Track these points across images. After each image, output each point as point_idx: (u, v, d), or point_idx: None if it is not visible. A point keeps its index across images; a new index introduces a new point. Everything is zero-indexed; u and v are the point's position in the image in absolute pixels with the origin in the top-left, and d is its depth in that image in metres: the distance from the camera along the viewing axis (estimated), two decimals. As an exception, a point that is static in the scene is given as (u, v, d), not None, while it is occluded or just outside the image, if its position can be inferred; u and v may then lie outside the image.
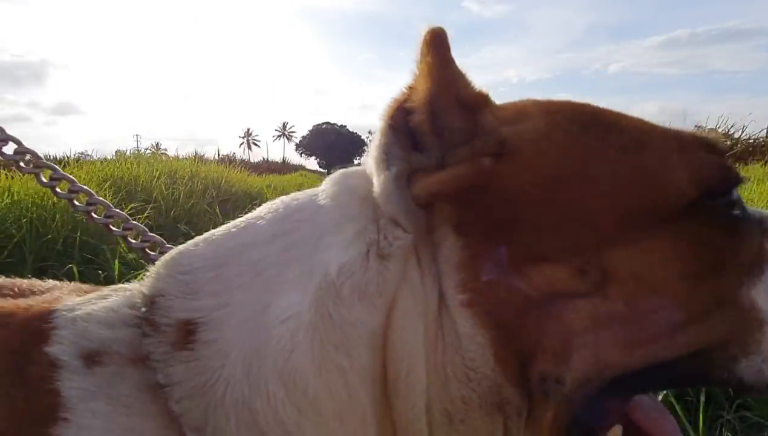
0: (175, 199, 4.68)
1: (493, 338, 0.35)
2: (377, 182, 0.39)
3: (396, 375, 0.36)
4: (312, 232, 0.40)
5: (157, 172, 4.95)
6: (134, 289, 0.43)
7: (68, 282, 0.48)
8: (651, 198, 0.35)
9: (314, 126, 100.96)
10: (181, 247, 0.44)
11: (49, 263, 2.77)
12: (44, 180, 0.81)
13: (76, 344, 0.38)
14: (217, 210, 5.38)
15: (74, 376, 0.37)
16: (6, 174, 3.26)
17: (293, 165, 49.77)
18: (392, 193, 0.37)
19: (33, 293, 0.46)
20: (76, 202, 0.82)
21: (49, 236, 2.78)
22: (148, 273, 0.43)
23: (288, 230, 0.41)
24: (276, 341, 0.37)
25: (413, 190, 0.37)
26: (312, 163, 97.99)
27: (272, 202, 0.45)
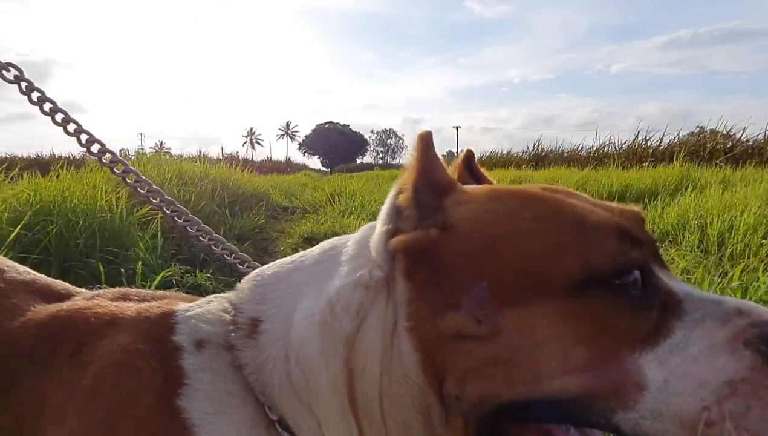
0: (187, 201, 4.81)
1: (422, 358, 0.47)
2: (374, 235, 0.53)
3: (357, 368, 0.50)
4: (333, 264, 0.56)
5: (169, 175, 5.09)
6: (227, 297, 0.58)
7: (165, 291, 0.63)
8: (542, 276, 0.44)
9: (317, 125, 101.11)
10: (258, 269, 0.60)
11: (71, 262, 2.92)
12: (132, 183, 0.90)
13: (190, 335, 0.55)
14: (227, 211, 5.52)
15: (190, 356, 0.54)
16: (30, 178, 3.40)
17: (296, 164, 50.01)
18: (379, 245, 0.52)
19: (153, 298, 0.62)
20: (150, 200, 0.93)
21: (73, 239, 2.92)
22: (237, 286, 0.58)
23: (321, 261, 0.58)
24: (297, 332, 0.53)
25: (388, 244, 0.51)
26: (315, 162, 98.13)
27: (323, 242, 0.60)
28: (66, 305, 0.63)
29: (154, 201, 0.88)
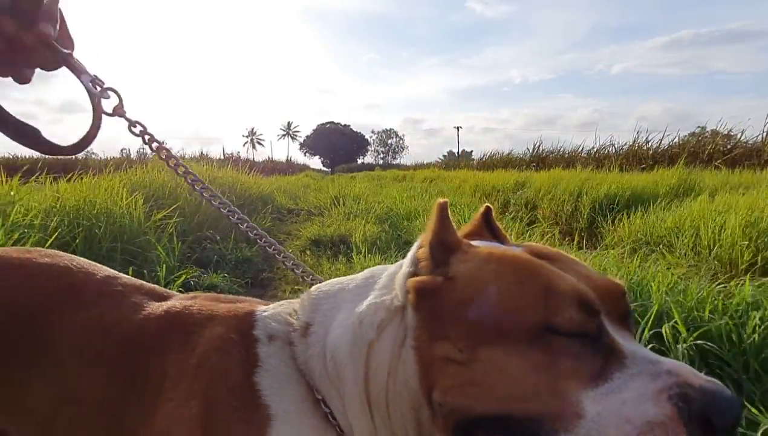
0: (198, 205, 4.96)
1: (419, 371, 0.60)
2: (399, 273, 0.69)
3: (371, 368, 0.64)
4: (368, 289, 0.72)
5: (180, 179, 5.24)
6: (293, 303, 0.74)
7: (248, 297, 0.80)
8: (511, 325, 0.55)
9: (318, 125, 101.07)
10: (317, 285, 0.75)
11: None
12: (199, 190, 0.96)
13: (265, 330, 0.71)
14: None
15: (264, 346, 0.69)
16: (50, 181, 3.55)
17: (297, 164, 50.07)
18: (400, 281, 0.65)
19: (237, 301, 0.77)
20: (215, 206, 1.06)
21: (96, 243, 3.07)
22: (302, 295, 0.74)
23: (361, 286, 0.73)
24: (332, 337, 0.68)
25: (406, 283, 0.64)
26: (315, 162, 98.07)
27: (367, 270, 0.76)
28: (175, 303, 0.78)
29: (233, 219, 1.00)
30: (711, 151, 13.35)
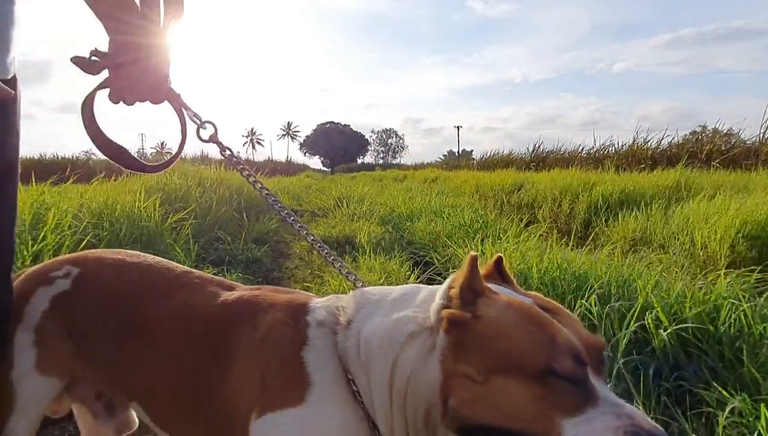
0: (209, 207, 5.15)
1: (442, 379, 0.74)
2: (434, 303, 0.84)
3: (397, 364, 0.79)
4: (403, 303, 0.87)
5: (191, 182, 5.43)
6: (341, 299, 0.91)
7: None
8: (520, 363, 0.70)
9: (318, 125, 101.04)
10: (363, 289, 0.92)
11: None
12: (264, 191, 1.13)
13: (315, 318, 0.88)
14: (244, 215, 5.86)
15: (313, 329, 0.86)
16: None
17: (298, 164, 50.14)
18: (435, 309, 0.80)
19: (293, 293, 0.96)
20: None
21: (118, 244, 3.26)
22: (348, 295, 0.91)
23: (398, 299, 0.89)
24: (365, 334, 0.84)
25: (440, 312, 0.79)
26: (315, 162, 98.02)
27: (406, 286, 0.92)
28: (244, 293, 0.96)
29: (296, 228, 1.14)
30: (709, 151, 13.35)
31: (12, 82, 0.89)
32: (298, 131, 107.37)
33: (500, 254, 0.94)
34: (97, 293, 0.97)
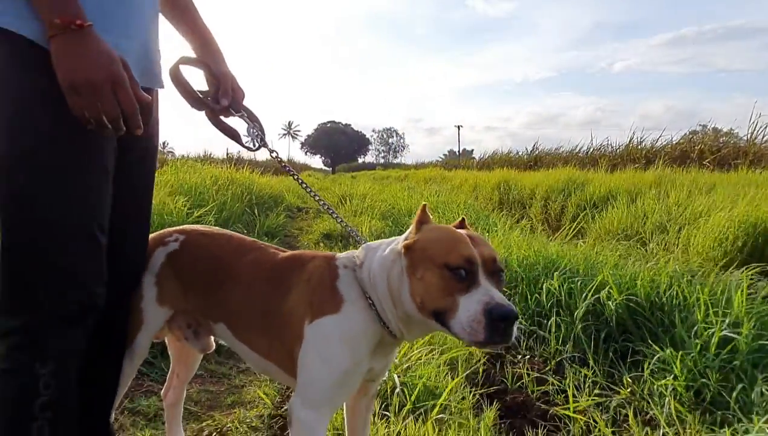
0: (224, 203, 5.59)
1: (409, 282, 1.11)
2: (401, 238, 1.26)
3: (389, 278, 1.15)
4: (391, 243, 1.28)
5: (208, 182, 5.89)
6: (356, 251, 1.34)
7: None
8: (436, 260, 1.07)
9: (319, 125, 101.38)
10: (367, 243, 1.36)
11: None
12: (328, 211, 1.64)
13: (342, 263, 1.29)
14: (256, 211, 6.31)
15: (341, 270, 1.27)
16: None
17: (299, 164, 50.56)
18: (401, 243, 1.16)
19: (327, 254, 1.40)
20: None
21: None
22: (359, 249, 1.35)
23: (385, 245, 1.29)
24: (372, 267, 1.24)
25: (403, 243, 1.16)
26: (317, 161, 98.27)
27: (390, 238, 1.35)
28: (295, 251, 1.39)
29: (337, 220, 1.60)
30: (700, 151, 13.61)
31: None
32: (299, 131, 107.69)
33: (463, 217, 1.35)
34: (197, 252, 1.40)
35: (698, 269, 3.13)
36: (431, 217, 1.25)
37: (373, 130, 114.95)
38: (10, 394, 1.01)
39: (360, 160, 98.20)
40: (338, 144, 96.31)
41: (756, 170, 9.09)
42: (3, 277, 1.02)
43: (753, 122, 12.37)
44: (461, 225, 1.30)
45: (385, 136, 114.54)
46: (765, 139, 12.34)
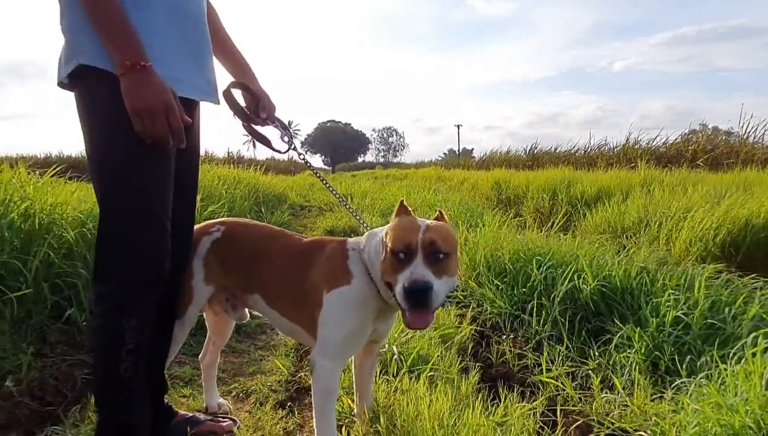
0: (233, 201, 5.91)
1: (383, 263, 1.40)
2: (385, 229, 1.52)
3: (381, 263, 1.42)
4: (378, 233, 1.59)
5: (217, 181, 6.22)
6: (360, 237, 1.67)
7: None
8: (393, 248, 1.37)
9: (319, 124, 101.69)
10: (370, 230, 1.69)
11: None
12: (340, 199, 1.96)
13: (351, 246, 1.60)
14: (263, 209, 6.63)
15: (350, 251, 1.58)
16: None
17: (299, 163, 50.82)
18: (384, 230, 1.47)
19: (338, 238, 1.72)
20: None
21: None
22: (363, 236, 1.67)
23: (379, 232, 1.62)
24: (369, 250, 1.55)
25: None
26: (317, 160, 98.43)
27: (381, 227, 1.68)
28: (315, 237, 1.69)
29: (361, 222, 1.95)
30: (694, 151, 13.81)
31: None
32: (298, 130, 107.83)
33: (440, 210, 1.64)
34: (236, 239, 1.70)
35: (670, 260, 3.45)
36: (410, 210, 1.56)
37: (373, 130, 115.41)
38: (105, 341, 1.34)
39: (360, 160, 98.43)
40: (338, 143, 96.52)
41: (746, 169, 9.30)
42: (99, 253, 1.35)
43: (745, 123, 12.63)
44: (439, 217, 1.60)
45: (385, 135, 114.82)
46: (756, 139, 12.62)
